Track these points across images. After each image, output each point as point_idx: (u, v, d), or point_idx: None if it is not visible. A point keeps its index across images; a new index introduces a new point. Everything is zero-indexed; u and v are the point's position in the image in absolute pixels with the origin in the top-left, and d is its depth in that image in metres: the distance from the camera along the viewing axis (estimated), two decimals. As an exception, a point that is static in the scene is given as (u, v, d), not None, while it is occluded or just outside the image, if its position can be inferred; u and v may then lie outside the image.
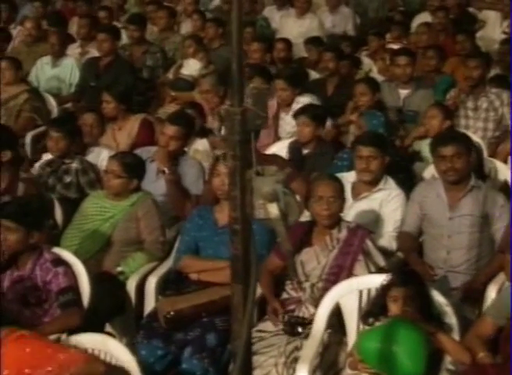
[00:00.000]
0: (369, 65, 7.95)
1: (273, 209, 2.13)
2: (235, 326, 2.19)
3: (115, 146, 5.84)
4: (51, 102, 6.95)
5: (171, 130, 4.86)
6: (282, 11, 9.54)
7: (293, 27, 9.02)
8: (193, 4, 9.47)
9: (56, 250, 3.81)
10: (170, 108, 7.24)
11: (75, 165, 5.06)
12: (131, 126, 5.83)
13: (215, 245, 4.04)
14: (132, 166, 4.32)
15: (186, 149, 5.04)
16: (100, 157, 5.26)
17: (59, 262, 3.66)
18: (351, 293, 3.52)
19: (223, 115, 2.05)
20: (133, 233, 4.27)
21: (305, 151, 5.25)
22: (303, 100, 6.01)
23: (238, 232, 2.18)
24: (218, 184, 4.03)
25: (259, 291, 3.81)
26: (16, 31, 8.72)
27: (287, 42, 7.73)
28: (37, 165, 5.32)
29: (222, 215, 4.06)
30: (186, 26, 9.17)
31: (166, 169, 4.74)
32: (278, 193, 2.13)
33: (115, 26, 7.77)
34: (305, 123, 5.22)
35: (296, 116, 5.36)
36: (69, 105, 7.31)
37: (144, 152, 4.97)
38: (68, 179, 5.06)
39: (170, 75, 7.71)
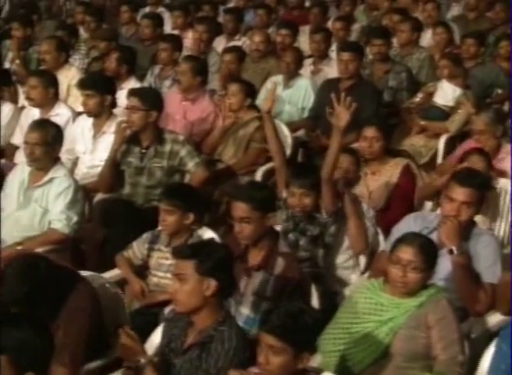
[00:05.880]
0: None
1: None
2: None
3: (368, 194, 4.82)
4: (284, 131, 6.01)
5: (463, 194, 3.67)
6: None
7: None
8: (436, 12, 8.26)
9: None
10: (418, 141, 6.16)
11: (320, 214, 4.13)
12: (390, 171, 4.76)
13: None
14: (429, 253, 3.24)
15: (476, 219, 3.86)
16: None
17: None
18: None
19: None
20: (420, 345, 3.15)
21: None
22: None
23: None
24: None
25: None
26: (240, 43, 7.91)
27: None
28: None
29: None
30: (425, 39, 7.97)
31: (455, 248, 3.60)
32: None
33: (360, 44, 6.71)
34: None
35: None
36: (300, 132, 6.37)
37: (418, 219, 3.86)
38: (315, 231, 4.11)
39: (417, 99, 6.57)
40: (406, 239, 3.29)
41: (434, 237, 3.71)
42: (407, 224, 3.85)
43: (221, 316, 2.98)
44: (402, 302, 3.23)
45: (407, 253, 3.22)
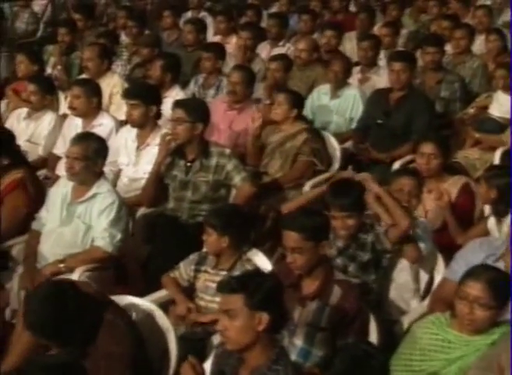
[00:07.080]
0: None
1: None
2: None
3: (424, 214, 4.58)
4: (333, 143, 5.79)
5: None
6: None
7: None
8: (487, 18, 7.96)
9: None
10: (473, 154, 5.90)
11: (371, 238, 3.90)
12: (448, 190, 4.53)
13: None
14: (499, 289, 3.00)
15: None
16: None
17: None
18: None
19: None
20: (492, 389, 2.95)
21: None
22: None
23: None
24: None
25: None
26: (284, 49, 7.70)
27: None
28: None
29: None
30: (475, 46, 7.67)
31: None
32: None
33: (411, 53, 6.45)
34: None
35: None
36: (348, 144, 6.14)
37: (484, 246, 3.61)
38: (365, 257, 3.90)
39: (471, 110, 6.32)
40: (474, 273, 3.05)
41: (501, 265, 3.48)
42: (472, 251, 3.62)
43: (274, 353, 2.77)
44: (472, 340, 3.01)
45: (474, 288, 2.99)
